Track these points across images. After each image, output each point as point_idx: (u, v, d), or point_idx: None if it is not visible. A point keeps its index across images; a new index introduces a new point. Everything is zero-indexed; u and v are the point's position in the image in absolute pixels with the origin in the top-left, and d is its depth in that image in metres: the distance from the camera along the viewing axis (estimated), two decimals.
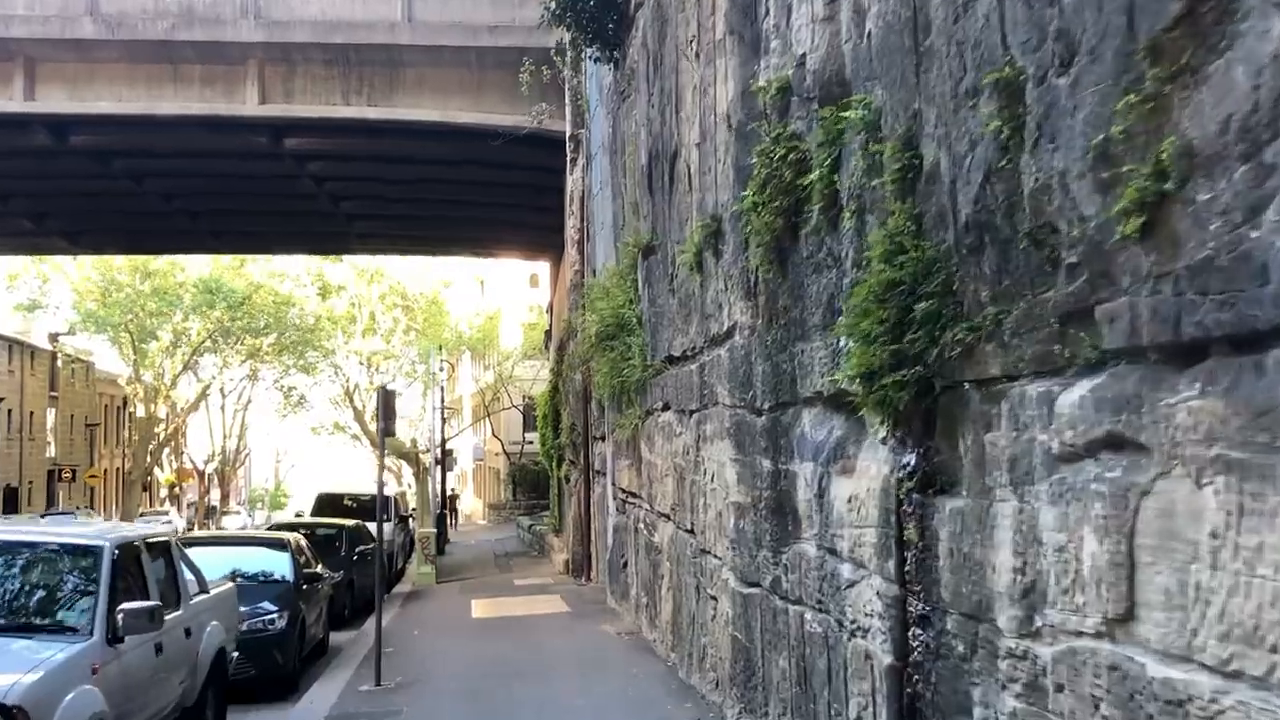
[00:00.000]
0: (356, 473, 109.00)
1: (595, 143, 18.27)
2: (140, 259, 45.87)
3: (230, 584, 9.64)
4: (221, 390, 78.25)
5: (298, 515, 25.03)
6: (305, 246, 38.25)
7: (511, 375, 52.94)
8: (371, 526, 21.44)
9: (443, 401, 34.01)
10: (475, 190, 28.72)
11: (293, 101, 21.84)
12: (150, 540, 7.92)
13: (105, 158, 24.96)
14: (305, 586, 12.41)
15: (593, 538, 19.80)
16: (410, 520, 38.52)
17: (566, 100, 20.35)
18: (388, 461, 69.22)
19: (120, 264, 46.50)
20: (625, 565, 15.10)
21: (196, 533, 24.24)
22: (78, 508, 47.71)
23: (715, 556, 8.76)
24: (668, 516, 11.25)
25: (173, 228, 33.15)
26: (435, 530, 30.65)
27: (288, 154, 24.52)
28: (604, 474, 18.61)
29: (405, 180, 27.85)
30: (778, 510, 6.96)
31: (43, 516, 40.02)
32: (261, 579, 12.23)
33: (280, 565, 12.42)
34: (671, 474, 10.95)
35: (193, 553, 12.85)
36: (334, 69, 21.84)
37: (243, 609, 10.76)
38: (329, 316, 49.64)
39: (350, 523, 19.12)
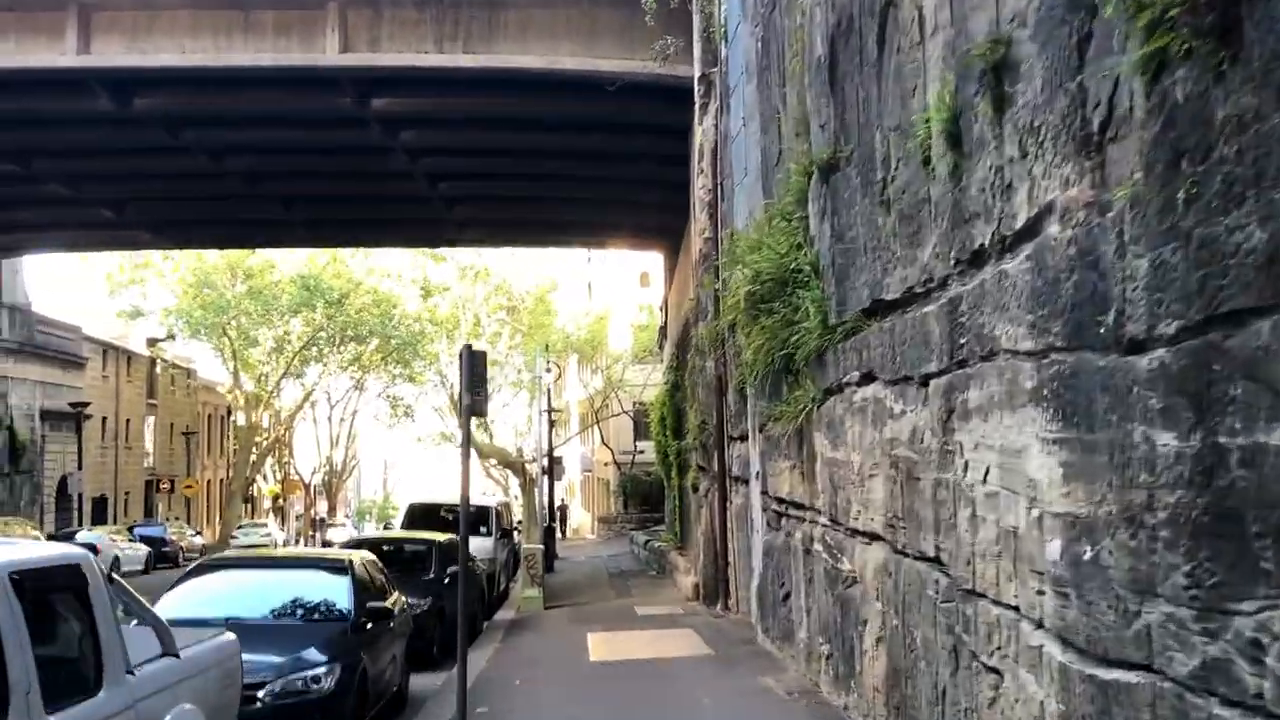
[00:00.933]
0: (454, 483, 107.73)
1: (735, 71, 14.97)
2: (234, 257, 44.05)
3: (226, 635, 6.46)
4: (328, 400, 77.46)
5: (385, 528, 22.06)
6: (403, 238, 35.69)
7: (621, 380, 49.90)
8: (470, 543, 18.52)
9: (549, 404, 31.02)
10: (586, 163, 25.67)
11: (379, 49, 19.09)
12: (35, 570, 4.70)
13: (174, 126, 22.54)
14: (371, 625, 9.24)
15: (730, 558, 16.44)
16: (516, 534, 35.67)
17: (695, 33, 17.13)
18: (493, 471, 66.95)
19: (215, 262, 44.73)
20: (786, 597, 11.71)
21: (232, 551, 21.23)
22: (168, 519, 46.02)
23: (1003, 605, 5.34)
24: (875, 536, 7.85)
25: (262, 217, 30.85)
26: (543, 546, 27.76)
27: (375, 118, 21.74)
28: (745, 481, 15.26)
29: (508, 150, 24.94)
30: (1213, 530, 3.54)
31: (130, 529, 38.21)
32: (310, 614, 9.15)
33: (337, 595, 9.27)
34: (883, 473, 7.56)
35: (222, 579, 9.93)
36: (425, 11, 19.02)
37: (278, 660, 7.70)
38: (432, 318, 47.27)
39: (443, 538, 16.05)
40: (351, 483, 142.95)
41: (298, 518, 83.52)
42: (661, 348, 37.73)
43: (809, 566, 10.47)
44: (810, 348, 9.56)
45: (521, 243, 37.33)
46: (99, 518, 42.35)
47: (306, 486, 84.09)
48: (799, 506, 11.00)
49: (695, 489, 19.43)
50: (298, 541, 63.56)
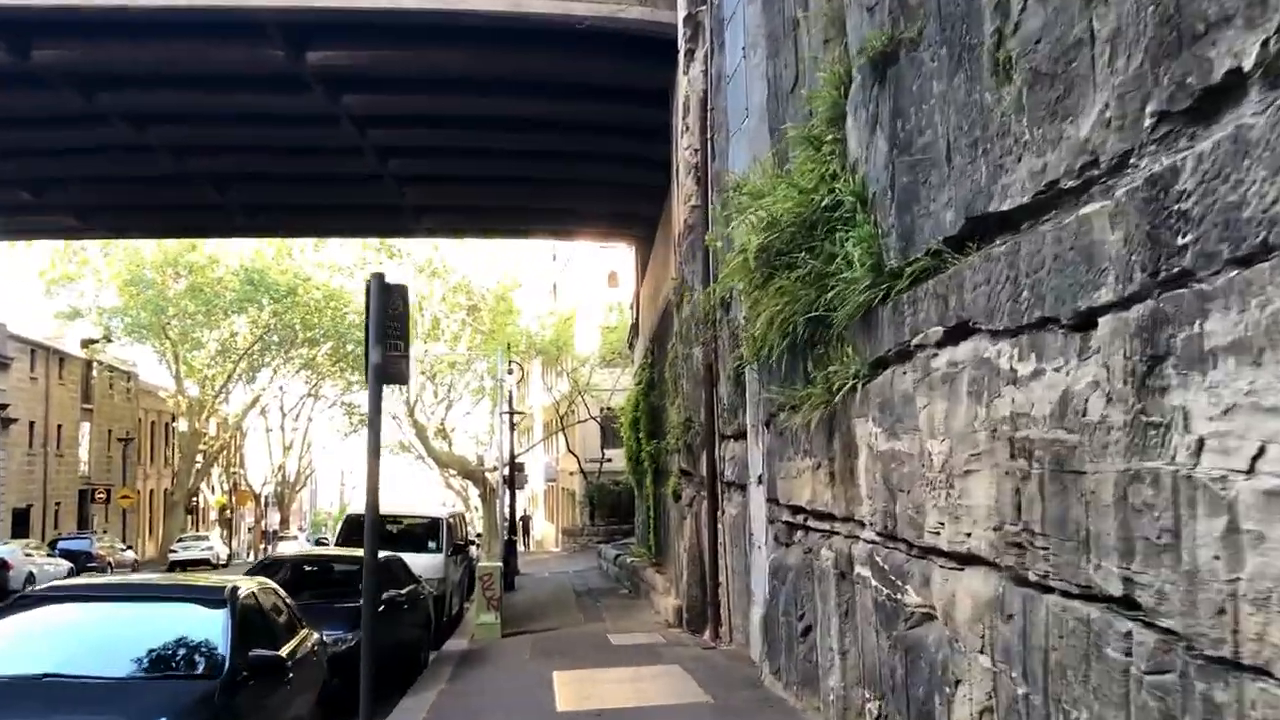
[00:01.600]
0: (423, 496, 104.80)
1: None
2: (173, 251, 41.24)
3: None
4: (280, 408, 74.62)
5: (319, 543, 19.39)
6: (354, 226, 33.06)
7: (589, 384, 47.46)
8: (414, 559, 16.00)
9: (511, 407, 28.57)
10: (552, 135, 23.22)
11: None
12: None
13: (86, 87, 19.92)
14: (255, 681, 6.67)
15: (722, 578, 14.03)
16: (474, 548, 33.10)
17: None
18: (453, 481, 64.04)
19: (153, 257, 41.88)
20: (806, 632, 9.31)
21: (80, 580, 17.89)
22: (101, 532, 43.00)
23: None
24: (973, 558, 5.47)
25: (196, 201, 28.15)
26: (502, 563, 25.29)
27: (314, 76, 19.23)
28: (742, 486, 12.90)
29: (463, 119, 22.46)
30: None
31: (53, 543, 35.27)
32: (167, 666, 6.56)
33: (211, 637, 6.70)
34: (992, 467, 5.19)
35: (54, 616, 7.35)
36: None
37: None
38: None
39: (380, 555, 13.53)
40: (307, 494, 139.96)
41: (249, 530, 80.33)
42: (632, 347, 35.37)
43: (844, 595, 8.09)
44: (854, 305, 7.19)
45: (482, 233, 34.82)
46: (20, 529, 39.29)
47: (257, 497, 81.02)
48: (825, 516, 8.64)
49: (676, 497, 17.03)
50: (248, 555, 60.52)
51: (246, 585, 7.90)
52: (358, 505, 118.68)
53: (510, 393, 30.48)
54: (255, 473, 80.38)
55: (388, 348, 6.20)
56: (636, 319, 32.70)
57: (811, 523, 9.22)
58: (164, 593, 7.80)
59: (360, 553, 13.92)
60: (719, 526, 14.01)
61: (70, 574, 31.41)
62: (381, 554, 13.56)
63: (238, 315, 46.75)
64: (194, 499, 57.78)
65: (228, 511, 64.83)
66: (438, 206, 29.54)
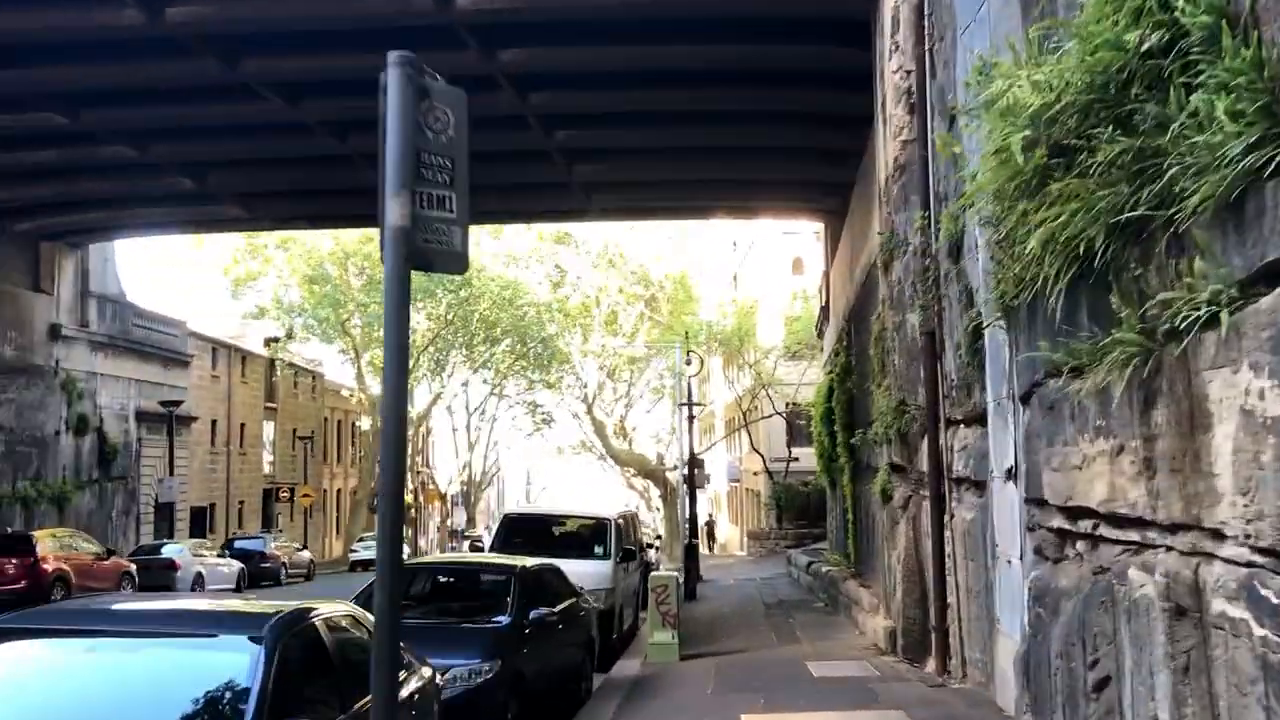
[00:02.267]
0: (605, 496, 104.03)
1: None
2: (350, 244, 40.65)
3: None
4: (466, 407, 74.71)
5: (475, 546, 17.32)
6: (520, 210, 31.32)
7: (773, 377, 44.79)
8: (577, 567, 13.83)
9: (690, 399, 26.25)
10: (731, 91, 20.82)
11: None
12: None
13: (228, 55, 18.60)
14: None
15: (950, 598, 11.29)
16: (653, 552, 30.97)
17: None
18: (635, 481, 62.30)
19: (330, 251, 41.39)
20: (1102, 686, 6.56)
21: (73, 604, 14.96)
22: (277, 531, 42.85)
23: None
24: None
25: (359, 184, 26.88)
26: (678, 573, 22.98)
27: (464, 24, 17.35)
28: (979, 484, 10.19)
29: (628, 75, 20.27)
30: None
31: (229, 542, 34.89)
32: None
33: (229, 695, 4.41)
34: None
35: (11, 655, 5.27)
36: None
37: None
38: (562, 309, 43.09)
39: (532, 563, 11.36)
40: (493, 493, 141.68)
41: (437, 529, 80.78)
42: (821, 334, 32.60)
43: (1184, 641, 5.35)
44: (1215, 185, 4.49)
45: (657, 212, 32.66)
46: (199, 528, 39.37)
47: (443, 496, 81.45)
48: (1133, 523, 5.91)
49: (885, 498, 14.33)
50: (434, 553, 60.34)
51: (317, 617, 5.61)
52: (544, 505, 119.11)
53: (689, 385, 28.20)
54: (443, 472, 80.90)
55: (421, 201, 3.86)
56: (827, 301, 29.93)
57: (1106, 530, 6.48)
58: (175, 625, 5.53)
59: (505, 560, 11.83)
60: (945, 534, 11.28)
61: (240, 575, 30.81)
62: (533, 561, 11.45)
63: (415, 309, 45.99)
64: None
65: (413, 510, 64.70)
66: (608, 183, 27.50)
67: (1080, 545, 7.06)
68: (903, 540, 13.08)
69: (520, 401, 71.61)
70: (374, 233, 39.91)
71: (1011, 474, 8.82)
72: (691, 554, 24.66)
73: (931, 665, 11.68)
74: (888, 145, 13.41)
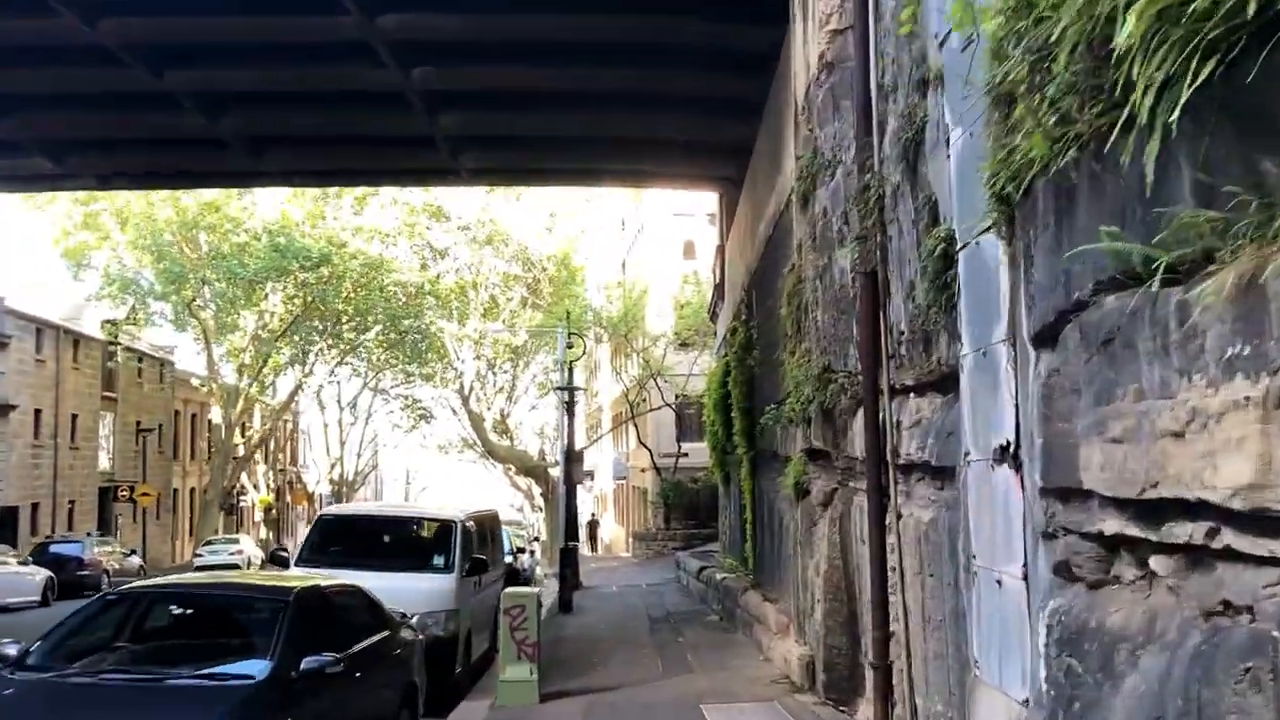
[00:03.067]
0: (488, 495, 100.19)
1: None
2: (189, 212, 36.62)
3: None
4: (339, 401, 70.77)
5: (276, 558, 13.69)
6: (381, 166, 27.76)
7: (662, 366, 42.07)
8: (407, 584, 10.69)
9: (570, 382, 23.16)
10: (614, 25, 17.94)
11: None
12: None
13: None
14: None
15: (893, 626, 8.48)
16: (526, 557, 27.96)
17: None
18: (519, 480, 58.99)
19: (168, 218, 37.25)
20: None
21: None
22: (100, 535, 38.58)
23: None
24: None
25: (186, 132, 23.29)
26: (560, 577, 20.15)
27: None
28: (941, 470, 7.42)
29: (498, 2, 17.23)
30: None
31: (42, 546, 30.69)
32: None
33: None
34: None
35: None
36: None
37: None
38: (434, 291, 39.70)
39: (316, 584, 8.14)
40: (369, 493, 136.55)
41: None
42: (715, 316, 29.96)
43: None
44: None
45: (537, 177, 29.55)
46: (9, 531, 34.90)
47: (311, 496, 77.03)
48: None
49: (800, 493, 11.55)
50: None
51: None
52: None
53: (569, 370, 25.25)
54: (316, 471, 76.67)
55: None
56: (721, 279, 27.27)
57: (1237, 539, 3.71)
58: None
59: (294, 581, 8.62)
60: (889, 539, 8.49)
61: (49, 585, 26.87)
62: (325, 582, 8.33)
63: (267, 290, 42.17)
64: (237, 498, 53.48)
65: (274, 511, 60.47)
66: (477, 138, 24.34)
67: (1164, 563, 4.28)
68: (824, 546, 10.30)
69: (398, 396, 68.00)
70: (219, 196, 36.06)
71: (1007, 454, 6.04)
72: (569, 558, 21.70)
73: (866, 711, 8.90)
74: (809, 46, 10.61)
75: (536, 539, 32.11)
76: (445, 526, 12.25)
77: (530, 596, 11.47)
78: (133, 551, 34.06)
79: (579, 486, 76.11)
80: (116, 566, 31.57)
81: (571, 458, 21.62)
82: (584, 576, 29.59)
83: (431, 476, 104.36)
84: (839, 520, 9.88)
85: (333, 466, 77.20)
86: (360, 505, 20.46)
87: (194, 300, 40.23)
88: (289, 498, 77.21)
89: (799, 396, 11.19)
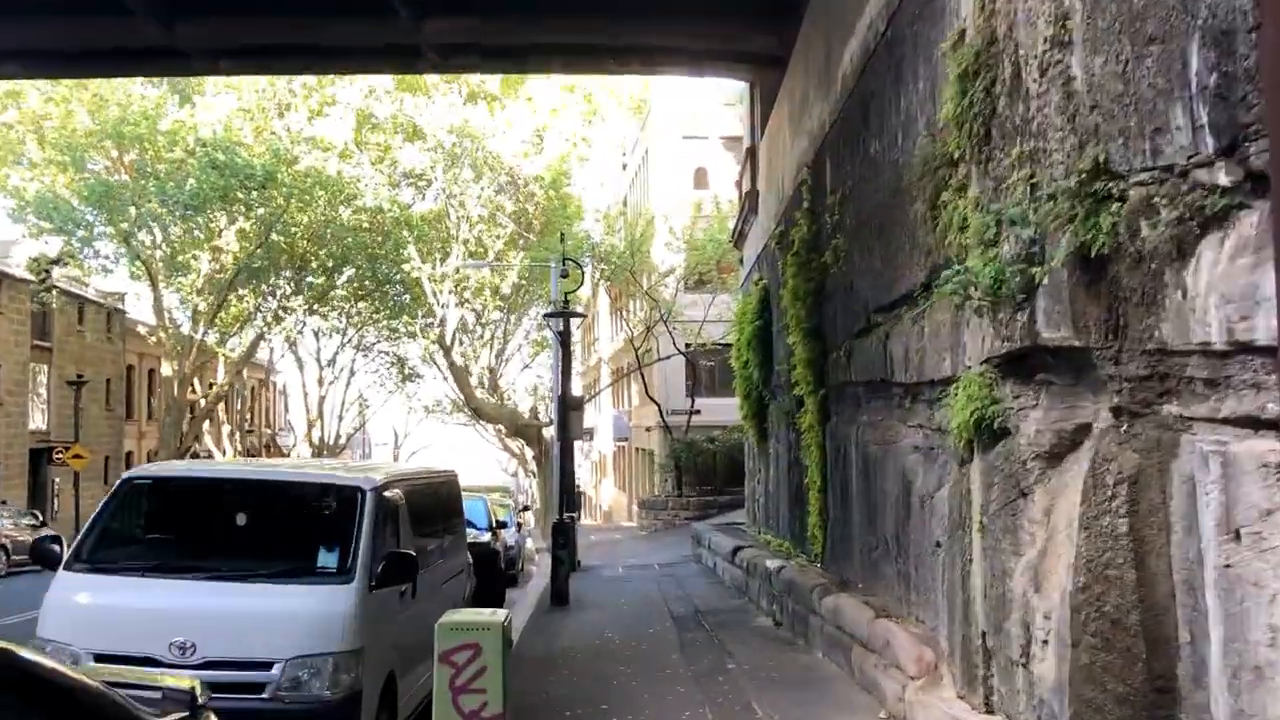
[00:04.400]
0: (479, 460, 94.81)
1: None
2: (109, 122, 31.15)
3: None
4: (318, 359, 65.77)
5: (44, 545, 8.69)
6: (332, 51, 22.35)
7: (672, 309, 36.86)
8: (255, 602, 5.52)
9: (565, 307, 17.72)
10: None
11: None
12: None
13: None
14: None
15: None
16: (514, 531, 23.02)
17: None
18: (510, 443, 53.86)
19: (90, 129, 31.75)
20: None
21: None
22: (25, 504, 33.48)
23: None
24: None
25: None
26: (553, 559, 15.50)
27: None
28: None
29: None
30: None
31: None
32: None
33: None
34: None
35: None
36: None
37: None
38: (404, 219, 34.33)
39: None
40: (357, 456, 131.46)
41: None
42: (740, 241, 24.76)
43: None
44: None
45: (526, 63, 24.19)
46: None
47: (286, 458, 72.08)
48: None
49: (986, 436, 6.34)
50: None
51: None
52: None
53: (565, 301, 20.05)
54: (296, 433, 71.80)
55: None
56: (752, 187, 22.03)
57: None
58: None
59: None
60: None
61: None
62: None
63: (221, 225, 36.89)
64: (187, 459, 48.08)
65: None
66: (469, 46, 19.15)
67: None
68: (1067, 538, 5.21)
69: (382, 354, 63.07)
70: (144, 97, 30.68)
71: None
72: (564, 536, 16.58)
73: None
74: None
75: (527, 508, 27.23)
76: (345, 500, 7.04)
77: (488, 628, 6.38)
78: (42, 523, 29.02)
79: (576, 445, 70.68)
80: (11, 539, 26.31)
81: (568, 405, 16.42)
82: (582, 552, 24.58)
83: (422, 439, 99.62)
84: (1125, 485, 4.75)
85: (310, 427, 72.06)
86: (200, 465, 15.22)
87: (132, 233, 34.92)
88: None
89: (986, 260, 6.01)
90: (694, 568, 21.49)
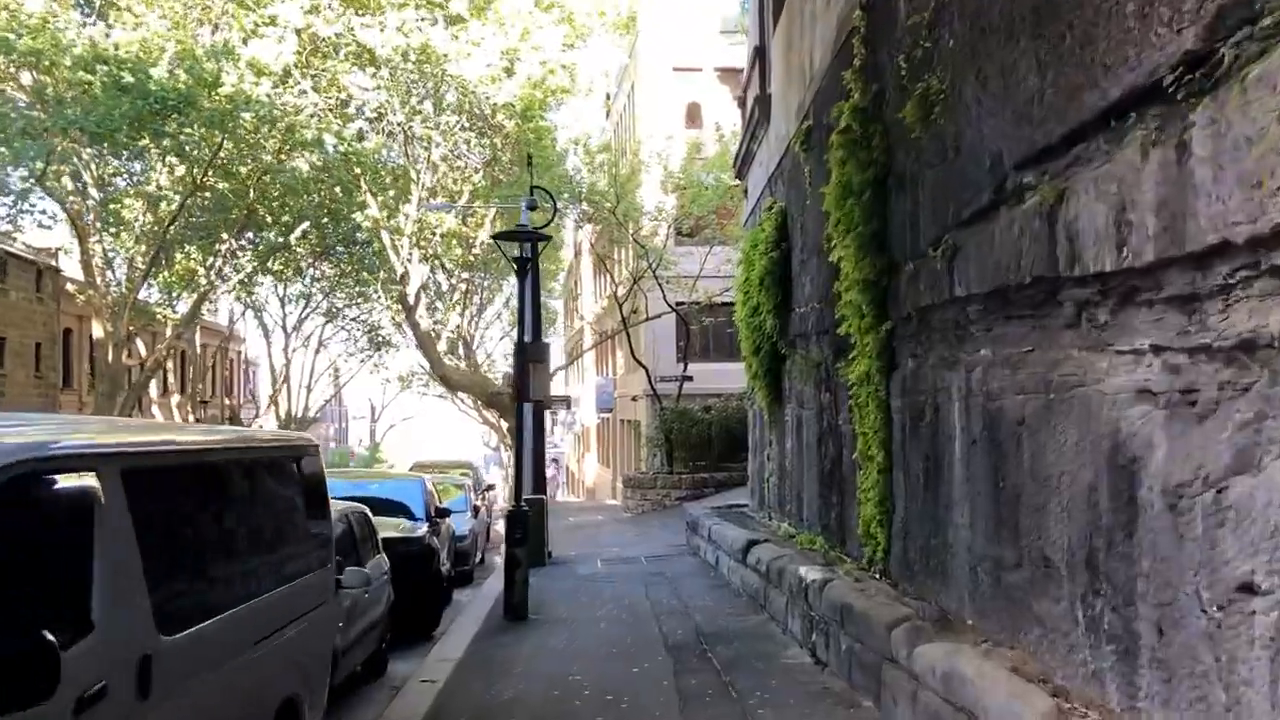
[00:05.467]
0: (461, 432, 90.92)
1: None
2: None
3: None
4: (283, 325, 62.19)
5: None
6: None
7: (662, 258, 32.80)
8: None
9: (521, 235, 13.64)
10: None
11: None
12: None
13: None
14: None
15: None
16: (469, 517, 19.23)
17: None
18: (489, 414, 49.71)
19: None
20: None
21: None
22: None
23: None
24: None
25: None
26: (507, 557, 11.88)
27: None
28: None
29: None
30: None
31: None
32: None
33: None
34: None
35: None
36: None
37: None
38: (351, 152, 30.05)
39: None
40: (331, 429, 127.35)
41: None
42: (744, 168, 20.75)
43: None
44: None
45: None
46: None
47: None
48: None
49: None
50: None
51: None
52: (394, 446, 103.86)
53: (532, 231, 15.95)
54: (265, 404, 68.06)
55: None
56: (761, 90, 17.97)
57: None
58: None
59: None
60: None
61: None
62: None
63: (154, 165, 32.68)
64: None
65: None
66: None
67: None
68: None
69: (351, 320, 59.33)
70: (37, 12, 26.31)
71: None
72: (519, 528, 12.53)
73: None
74: None
75: (491, 487, 23.26)
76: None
77: None
78: None
79: (559, 419, 66.51)
80: None
81: (527, 355, 12.27)
82: (556, 538, 20.70)
83: (400, 412, 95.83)
84: None
85: (272, 399, 67.87)
86: None
87: (45, 171, 30.63)
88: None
89: None
90: (690, 562, 17.54)
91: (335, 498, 13.61)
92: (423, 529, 13.06)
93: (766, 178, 17.49)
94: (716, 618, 11.90)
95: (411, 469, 26.65)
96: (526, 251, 13.45)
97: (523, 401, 12.83)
